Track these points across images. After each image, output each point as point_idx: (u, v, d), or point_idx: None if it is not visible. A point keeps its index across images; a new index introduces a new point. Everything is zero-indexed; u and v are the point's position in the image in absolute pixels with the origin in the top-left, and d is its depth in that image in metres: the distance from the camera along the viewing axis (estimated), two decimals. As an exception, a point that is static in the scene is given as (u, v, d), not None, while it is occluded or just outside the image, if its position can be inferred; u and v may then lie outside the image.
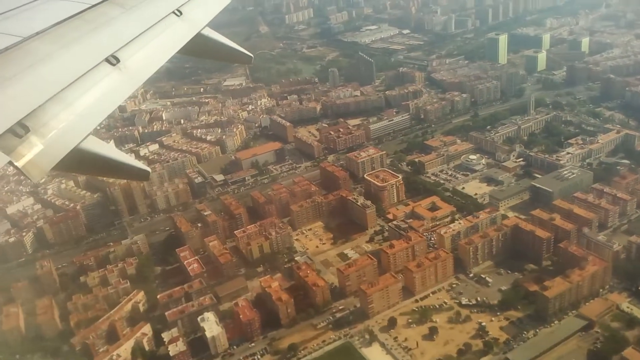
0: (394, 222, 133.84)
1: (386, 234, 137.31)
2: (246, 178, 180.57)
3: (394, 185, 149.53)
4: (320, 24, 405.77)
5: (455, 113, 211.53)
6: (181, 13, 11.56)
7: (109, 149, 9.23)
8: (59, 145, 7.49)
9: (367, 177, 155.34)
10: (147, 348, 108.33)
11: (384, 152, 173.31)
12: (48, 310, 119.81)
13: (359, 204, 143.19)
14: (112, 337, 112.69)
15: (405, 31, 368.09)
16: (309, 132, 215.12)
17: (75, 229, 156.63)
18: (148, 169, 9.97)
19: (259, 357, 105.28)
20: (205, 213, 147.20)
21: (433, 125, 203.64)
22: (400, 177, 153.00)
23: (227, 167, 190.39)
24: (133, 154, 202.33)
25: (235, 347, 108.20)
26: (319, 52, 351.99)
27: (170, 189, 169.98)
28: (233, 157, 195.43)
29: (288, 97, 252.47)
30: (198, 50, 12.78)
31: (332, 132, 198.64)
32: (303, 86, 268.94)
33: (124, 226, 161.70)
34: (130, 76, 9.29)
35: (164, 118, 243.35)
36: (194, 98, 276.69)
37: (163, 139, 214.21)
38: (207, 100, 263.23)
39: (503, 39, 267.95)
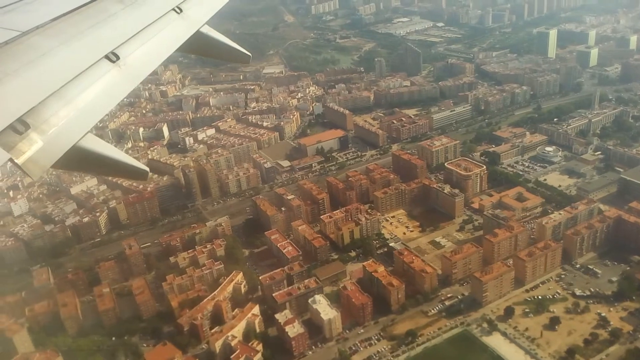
0: (490, 212, 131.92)
1: (476, 223, 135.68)
2: (312, 165, 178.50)
3: (478, 175, 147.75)
4: (349, 15, 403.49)
5: (516, 105, 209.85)
6: (181, 10, 11.44)
7: (108, 148, 9.03)
8: (59, 143, 7.38)
9: (448, 166, 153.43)
10: (257, 330, 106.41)
11: (457, 141, 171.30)
12: (144, 290, 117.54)
13: (445, 192, 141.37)
14: (217, 319, 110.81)
15: (440, 24, 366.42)
16: (365, 120, 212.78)
17: (150, 210, 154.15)
18: (147, 169, 9.85)
19: (375, 342, 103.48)
20: (289, 197, 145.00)
21: (495, 117, 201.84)
22: (484, 167, 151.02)
23: (291, 153, 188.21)
24: (191, 137, 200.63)
25: (347, 331, 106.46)
26: (354, 43, 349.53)
27: (241, 173, 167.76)
28: (296, 143, 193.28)
29: (335, 86, 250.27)
30: (197, 48, 12.71)
31: (395, 121, 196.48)
32: (349, 75, 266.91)
33: (197, 209, 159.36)
34: (130, 73, 9.19)
35: (211, 104, 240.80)
36: (236, 85, 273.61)
37: (219, 124, 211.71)
38: (252, 87, 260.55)
39: (553, 34, 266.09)
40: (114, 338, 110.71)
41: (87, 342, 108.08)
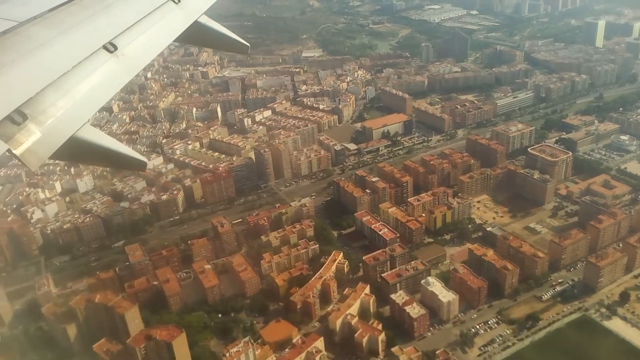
0: (587, 198, 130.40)
1: (568, 209, 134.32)
2: (379, 148, 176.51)
3: (565, 161, 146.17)
4: (377, 1, 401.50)
5: (576, 94, 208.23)
6: (179, 0, 11.29)
7: (106, 139, 8.84)
8: (56, 133, 7.33)
9: (532, 152, 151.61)
10: (371, 309, 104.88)
11: (533, 127, 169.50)
12: (246, 267, 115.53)
13: (535, 177, 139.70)
14: (324, 297, 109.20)
15: (473, 12, 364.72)
16: (419, 105, 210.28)
17: (226, 189, 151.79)
18: (145, 159, 9.71)
19: (494, 325, 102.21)
20: (373, 179, 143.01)
21: (557, 105, 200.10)
22: (570, 153, 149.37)
23: (356, 136, 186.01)
24: (249, 118, 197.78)
25: (462, 314, 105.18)
26: (388, 29, 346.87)
27: (312, 154, 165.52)
28: (360, 126, 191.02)
29: (383, 71, 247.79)
30: (195, 39, 12.54)
31: (458, 106, 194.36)
32: (394, 60, 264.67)
33: (271, 189, 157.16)
34: (128, 64, 9.10)
35: (258, 85, 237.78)
36: (278, 67, 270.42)
37: (274, 106, 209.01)
38: (297, 70, 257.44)
39: (601, 24, 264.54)
40: (220, 315, 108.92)
41: (194, 319, 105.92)
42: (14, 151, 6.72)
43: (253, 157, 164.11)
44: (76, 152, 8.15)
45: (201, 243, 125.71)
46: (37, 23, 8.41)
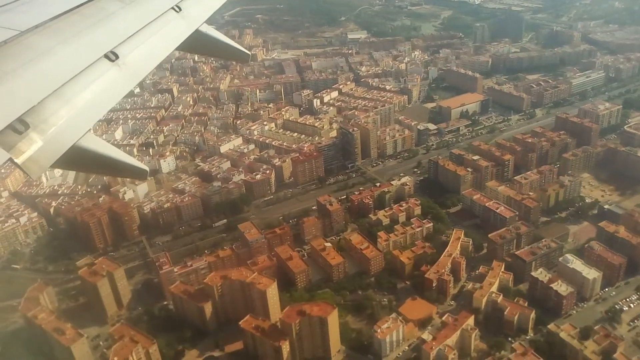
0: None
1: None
2: (460, 128, 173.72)
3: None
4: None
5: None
6: (180, 9, 11.30)
7: (107, 147, 8.65)
8: (58, 142, 7.33)
9: (629, 129, 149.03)
10: (510, 286, 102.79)
11: (619, 106, 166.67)
12: (368, 246, 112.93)
13: (639, 155, 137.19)
14: (454, 276, 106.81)
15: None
16: (485, 85, 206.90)
17: (316, 169, 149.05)
18: (146, 168, 9.59)
19: (637, 301, 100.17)
20: (474, 157, 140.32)
21: (628, 85, 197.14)
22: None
23: (433, 116, 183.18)
24: (317, 99, 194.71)
25: (602, 291, 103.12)
26: (427, 10, 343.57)
27: (397, 134, 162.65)
28: (435, 106, 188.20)
29: (440, 51, 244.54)
30: (196, 47, 12.36)
31: (534, 85, 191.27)
32: (448, 41, 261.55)
33: (359, 169, 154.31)
34: (129, 73, 9.04)
35: (313, 67, 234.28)
36: (327, 49, 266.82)
37: (340, 87, 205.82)
38: (350, 52, 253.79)
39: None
40: (348, 293, 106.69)
41: (325, 296, 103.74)
42: (15, 160, 6.65)
43: (333, 136, 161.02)
44: (78, 160, 8.06)
45: (312, 221, 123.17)
46: (39, 32, 8.39)
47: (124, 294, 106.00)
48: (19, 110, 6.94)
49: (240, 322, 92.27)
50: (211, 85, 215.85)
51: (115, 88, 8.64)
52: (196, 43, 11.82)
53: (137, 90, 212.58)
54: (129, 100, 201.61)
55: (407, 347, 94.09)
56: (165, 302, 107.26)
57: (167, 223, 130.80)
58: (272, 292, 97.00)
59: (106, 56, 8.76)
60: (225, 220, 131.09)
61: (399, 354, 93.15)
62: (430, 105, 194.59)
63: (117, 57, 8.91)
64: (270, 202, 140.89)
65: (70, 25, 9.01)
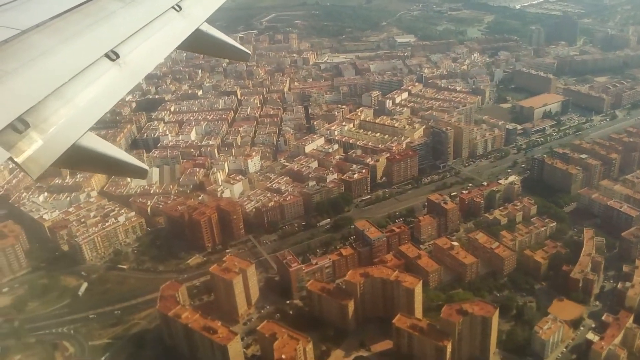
0: None
1: None
2: (545, 128, 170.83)
3: None
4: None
5: None
6: (180, 8, 11.10)
7: (108, 147, 8.53)
8: (58, 142, 7.26)
9: None
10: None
11: None
12: (499, 245, 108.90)
13: None
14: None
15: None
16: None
17: (410, 168, 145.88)
18: (147, 167, 9.45)
19: None
20: (582, 156, 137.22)
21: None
22: None
23: (514, 116, 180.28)
24: (390, 100, 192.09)
25: None
26: (468, 15, 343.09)
27: (487, 134, 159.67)
28: (517, 106, 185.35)
29: (498, 54, 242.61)
30: (197, 46, 12.20)
31: (610, 87, 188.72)
32: (504, 43, 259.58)
33: (452, 169, 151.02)
34: (130, 72, 8.86)
35: (371, 70, 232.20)
36: (379, 52, 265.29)
37: (409, 88, 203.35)
38: (405, 54, 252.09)
39: None
40: (486, 293, 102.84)
41: (462, 296, 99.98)
42: (15, 159, 6.54)
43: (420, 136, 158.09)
44: (78, 160, 7.92)
45: (427, 220, 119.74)
46: (39, 31, 8.19)
47: (253, 292, 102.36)
48: (20, 109, 6.79)
49: (393, 321, 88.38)
50: (274, 88, 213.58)
51: (115, 87, 8.47)
52: (197, 42, 11.72)
53: (200, 92, 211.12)
54: (196, 102, 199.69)
55: (564, 349, 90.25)
56: (290, 301, 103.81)
57: (270, 222, 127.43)
58: (419, 291, 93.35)
59: (107, 55, 8.60)
60: (329, 220, 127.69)
61: (558, 355, 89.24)
62: (505, 105, 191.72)
63: (117, 56, 8.74)
64: (369, 202, 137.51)
65: (70, 24, 8.82)
